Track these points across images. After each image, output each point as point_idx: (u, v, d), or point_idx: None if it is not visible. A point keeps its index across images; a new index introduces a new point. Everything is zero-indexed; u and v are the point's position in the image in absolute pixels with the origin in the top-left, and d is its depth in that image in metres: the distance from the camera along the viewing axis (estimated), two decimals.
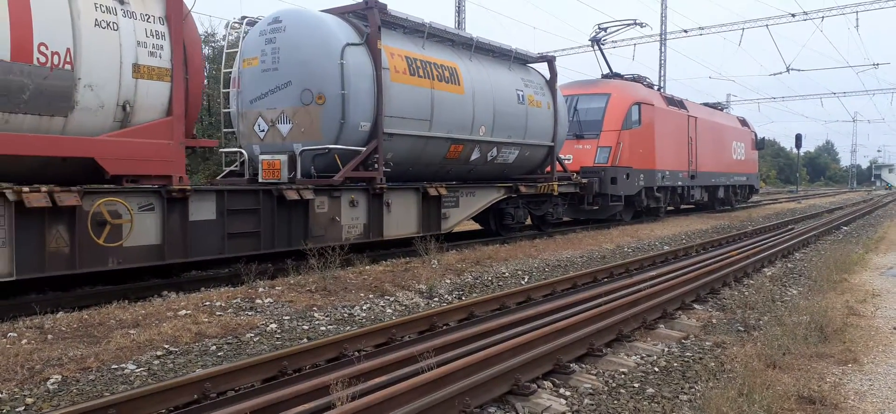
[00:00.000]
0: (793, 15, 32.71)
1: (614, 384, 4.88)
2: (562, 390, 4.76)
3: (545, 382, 4.89)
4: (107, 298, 7.42)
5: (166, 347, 5.70)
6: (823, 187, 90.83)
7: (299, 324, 6.69)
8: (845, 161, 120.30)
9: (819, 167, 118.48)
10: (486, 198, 13.36)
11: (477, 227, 15.46)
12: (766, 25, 33.06)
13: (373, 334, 5.87)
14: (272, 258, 9.59)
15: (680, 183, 22.16)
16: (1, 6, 6.37)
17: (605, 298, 7.53)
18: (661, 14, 38.55)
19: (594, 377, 5.05)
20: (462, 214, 12.81)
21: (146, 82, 7.65)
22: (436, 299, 8.28)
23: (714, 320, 7.05)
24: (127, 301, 7.21)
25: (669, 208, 22.75)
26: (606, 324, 6.02)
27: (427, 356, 4.88)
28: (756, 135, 31.09)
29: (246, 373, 4.76)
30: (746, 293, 8.52)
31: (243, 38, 11.10)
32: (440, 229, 12.14)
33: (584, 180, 16.91)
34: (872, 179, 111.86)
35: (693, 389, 4.75)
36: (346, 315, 7.17)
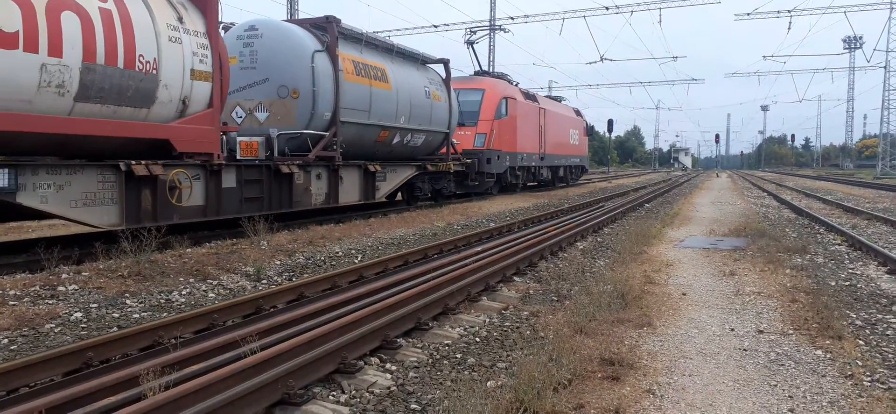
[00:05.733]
0: (606, 8, 35.47)
1: (438, 356, 5.06)
2: (388, 365, 4.84)
3: (372, 358, 4.95)
4: None
5: None
6: (631, 168, 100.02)
7: (109, 312, 6.19)
8: (650, 144, 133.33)
9: (628, 150, 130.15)
10: (405, 173, 16.84)
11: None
12: (584, 17, 35.57)
13: (192, 320, 5.58)
14: (275, 219, 11.96)
15: (534, 164, 26.27)
16: (118, 30, 8.40)
17: (433, 274, 7.76)
18: (491, 2, 40.04)
19: (419, 351, 5.20)
20: (389, 186, 16.01)
21: (198, 83, 9.91)
22: (264, 282, 8.03)
23: (531, 291, 7.54)
24: None
25: (523, 184, 26.34)
26: (433, 298, 6.21)
27: (251, 340, 4.74)
28: (587, 123, 37.09)
29: (43, 367, 4.32)
30: (561, 266, 9.20)
31: None
32: (375, 198, 15.45)
33: (469, 161, 20.59)
34: (671, 161, 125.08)
35: (510, 357, 5.05)
36: (162, 301, 6.74)
